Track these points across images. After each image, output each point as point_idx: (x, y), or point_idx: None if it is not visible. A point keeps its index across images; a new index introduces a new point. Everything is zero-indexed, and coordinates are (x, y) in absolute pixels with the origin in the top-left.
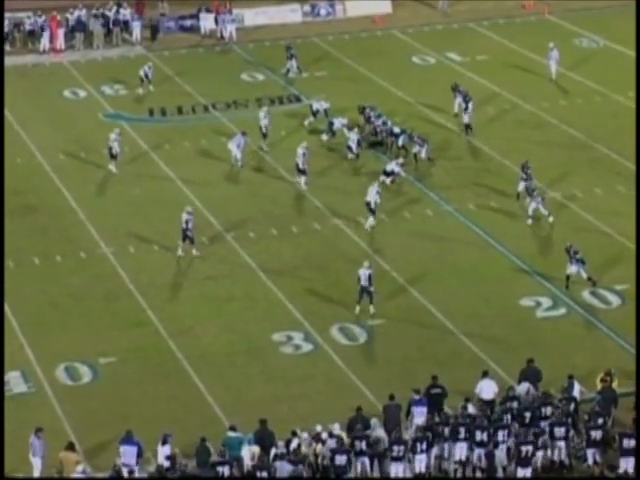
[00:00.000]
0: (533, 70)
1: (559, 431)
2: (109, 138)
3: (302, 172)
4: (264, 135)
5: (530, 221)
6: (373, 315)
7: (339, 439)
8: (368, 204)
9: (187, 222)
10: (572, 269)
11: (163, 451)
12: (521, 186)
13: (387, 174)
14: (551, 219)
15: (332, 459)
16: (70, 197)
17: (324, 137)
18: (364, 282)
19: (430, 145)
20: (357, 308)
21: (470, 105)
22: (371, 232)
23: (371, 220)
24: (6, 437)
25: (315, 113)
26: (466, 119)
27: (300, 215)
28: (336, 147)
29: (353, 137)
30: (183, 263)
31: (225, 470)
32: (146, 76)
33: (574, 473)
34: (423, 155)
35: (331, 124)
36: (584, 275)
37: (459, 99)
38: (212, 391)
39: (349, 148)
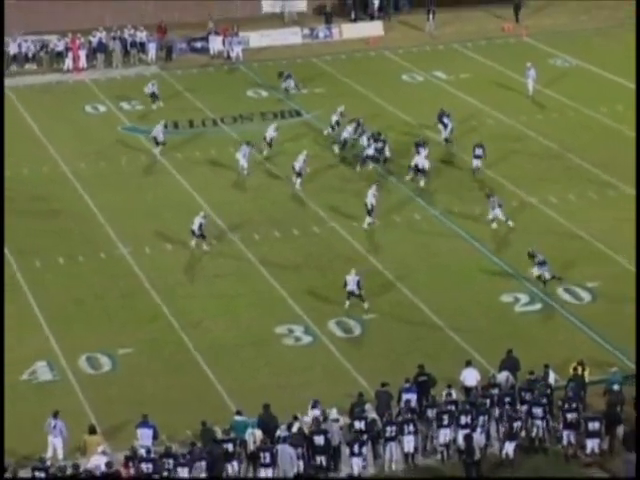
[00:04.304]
0: (512, 87)
1: (537, 411)
2: (155, 128)
3: (299, 174)
4: (268, 145)
5: (494, 225)
6: (367, 310)
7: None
8: (365, 205)
9: (200, 225)
10: (536, 271)
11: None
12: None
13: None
14: (511, 224)
15: (311, 440)
16: (91, 202)
17: (335, 149)
18: (351, 287)
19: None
20: (347, 302)
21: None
22: (366, 234)
23: (368, 220)
24: (33, 421)
25: (334, 126)
26: (446, 134)
27: (300, 219)
28: (346, 158)
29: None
30: (194, 262)
31: (229, 447)
32: (153, 94)
33: (549, 453)
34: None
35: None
36: (547, 275)
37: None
38: (220, 379)
39: (370, 157)
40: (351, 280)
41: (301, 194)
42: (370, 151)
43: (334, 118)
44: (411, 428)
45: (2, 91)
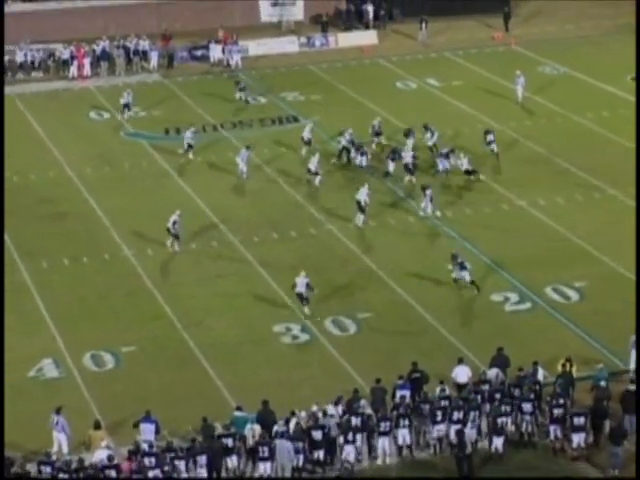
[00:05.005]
0: (502, 94)
1: (526, 407)
2: (186, 135)
3: (316, 173)
4: (307, 143)
5: (422, 213)
6: (307, 316)
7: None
8: (358, 202)
9: (175, 222)
10: (455, 274)
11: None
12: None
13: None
14: (438, 213)
15: (309, 435)
16: (96, 205)
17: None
18: (300, 289)
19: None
20: (305, 309)
21: (435, 134)
22: (361, 235)
23: (361, 218)
24: (39, 417)
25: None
26: (432, 142)
27: (298, 221)
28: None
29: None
30: (195, 263)
31: (229, 441)
32: (127, 105)
33: (538, 447)
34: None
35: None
36: (467, 279)
37: (412, 140)
38: (221, 376)
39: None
40: (300, 282)
41: (300, 198)
42: (409, 159)
43: (370, 131)
44: (405, 422)
45: (2, 96)
